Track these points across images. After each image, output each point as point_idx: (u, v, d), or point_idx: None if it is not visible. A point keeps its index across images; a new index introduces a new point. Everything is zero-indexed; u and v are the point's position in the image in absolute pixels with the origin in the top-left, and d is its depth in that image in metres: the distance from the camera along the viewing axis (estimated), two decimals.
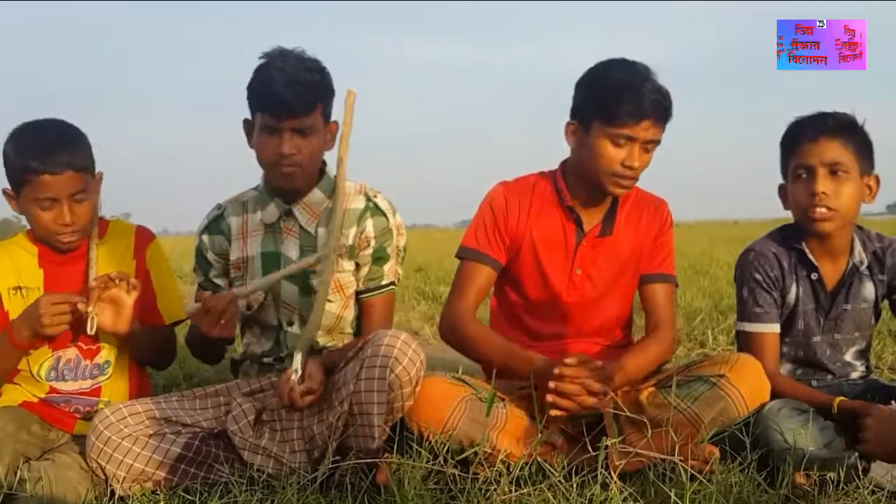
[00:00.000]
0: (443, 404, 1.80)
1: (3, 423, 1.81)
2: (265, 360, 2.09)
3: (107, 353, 2.01)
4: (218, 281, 2.10)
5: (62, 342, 1.96)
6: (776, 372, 1.99)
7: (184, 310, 2.01)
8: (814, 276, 2.04)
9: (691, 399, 1.85)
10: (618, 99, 1.87)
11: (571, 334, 2.07)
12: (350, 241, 2.01)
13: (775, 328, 2.03)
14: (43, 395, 1.96)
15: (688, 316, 4.51)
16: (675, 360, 2.96)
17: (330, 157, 2.02)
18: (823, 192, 1.93)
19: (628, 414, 1.78)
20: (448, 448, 1.74)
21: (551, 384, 1.77)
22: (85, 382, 1.98)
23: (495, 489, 1.66)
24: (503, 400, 1.91)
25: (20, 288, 1.97)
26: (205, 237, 2.11)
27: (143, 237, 2.12)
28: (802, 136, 1.99)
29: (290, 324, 2.05)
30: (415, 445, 1.75)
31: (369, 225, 2.02)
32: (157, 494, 1.79)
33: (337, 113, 1.97)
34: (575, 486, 1.63)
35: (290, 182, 1.96)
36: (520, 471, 1.72)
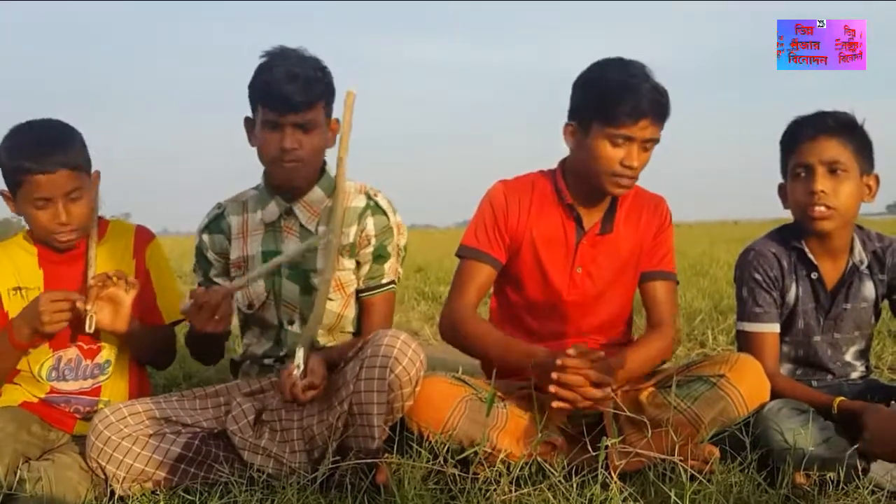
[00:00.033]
0: (443, 404, 1.80)
1: (3, 423, 1.82)
2: (265, 360, 2.09)
3: (107, 353, 2.01)
4: (218, 280, 2.10)
5: (62, 342, 1.97)
6: (776, 372, 1.99)
7: (179, 308, 2.01)
8: (814, 276, 2.04)
9: (691, 399, 1.85)
10: (615, 99, 1.86)
11: (572, 333, 2.07)
12: (351, 240, 2.01)
13: (775, 328, 2.03)
14: (43, 395, 1.97)
15: (688, 316, 4.51)
16: (675, 360, 2.96)
17: (330, 156, 2.02)
18: (822, 191, 1.93)
19: (628, 414, 1.78)
20: (448, 448, 1.73)
21: (554, 375, 1.76)
22: (85, 382, 1.99)
23: (495, 489, 1.66)
24: (503, 400, 1.91)
25: (20, 288, 1.97)
26: (205, 236, 2.11)
27: (143, 237, 2.12)
28: (802, 135, 1.99)
29: (291, 323, 2.05)
30: (415, 445, 1.75)
31: (370, 223, 2.03)
32: (157, 494, 1.79)
33: (337, 113, 1.98)
34: (575, 486, 1.63)
35: (291, 178, 1.96)
36: (520, 471, 1.71)
